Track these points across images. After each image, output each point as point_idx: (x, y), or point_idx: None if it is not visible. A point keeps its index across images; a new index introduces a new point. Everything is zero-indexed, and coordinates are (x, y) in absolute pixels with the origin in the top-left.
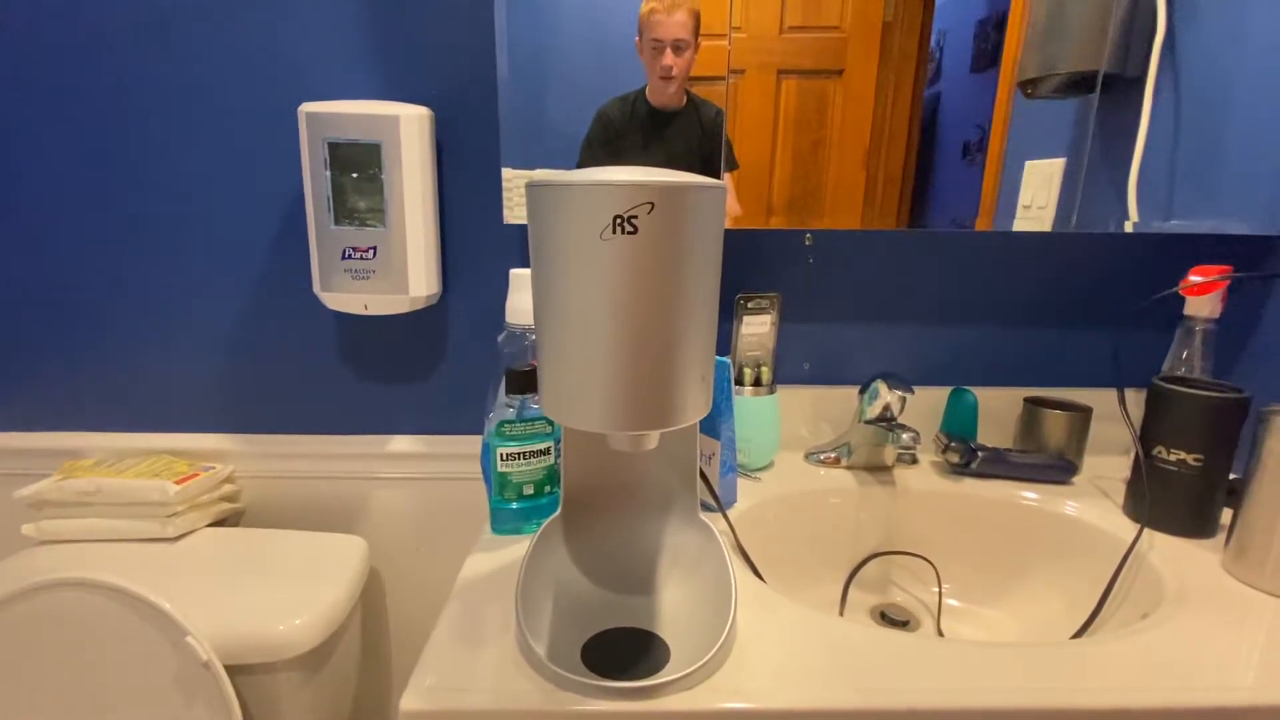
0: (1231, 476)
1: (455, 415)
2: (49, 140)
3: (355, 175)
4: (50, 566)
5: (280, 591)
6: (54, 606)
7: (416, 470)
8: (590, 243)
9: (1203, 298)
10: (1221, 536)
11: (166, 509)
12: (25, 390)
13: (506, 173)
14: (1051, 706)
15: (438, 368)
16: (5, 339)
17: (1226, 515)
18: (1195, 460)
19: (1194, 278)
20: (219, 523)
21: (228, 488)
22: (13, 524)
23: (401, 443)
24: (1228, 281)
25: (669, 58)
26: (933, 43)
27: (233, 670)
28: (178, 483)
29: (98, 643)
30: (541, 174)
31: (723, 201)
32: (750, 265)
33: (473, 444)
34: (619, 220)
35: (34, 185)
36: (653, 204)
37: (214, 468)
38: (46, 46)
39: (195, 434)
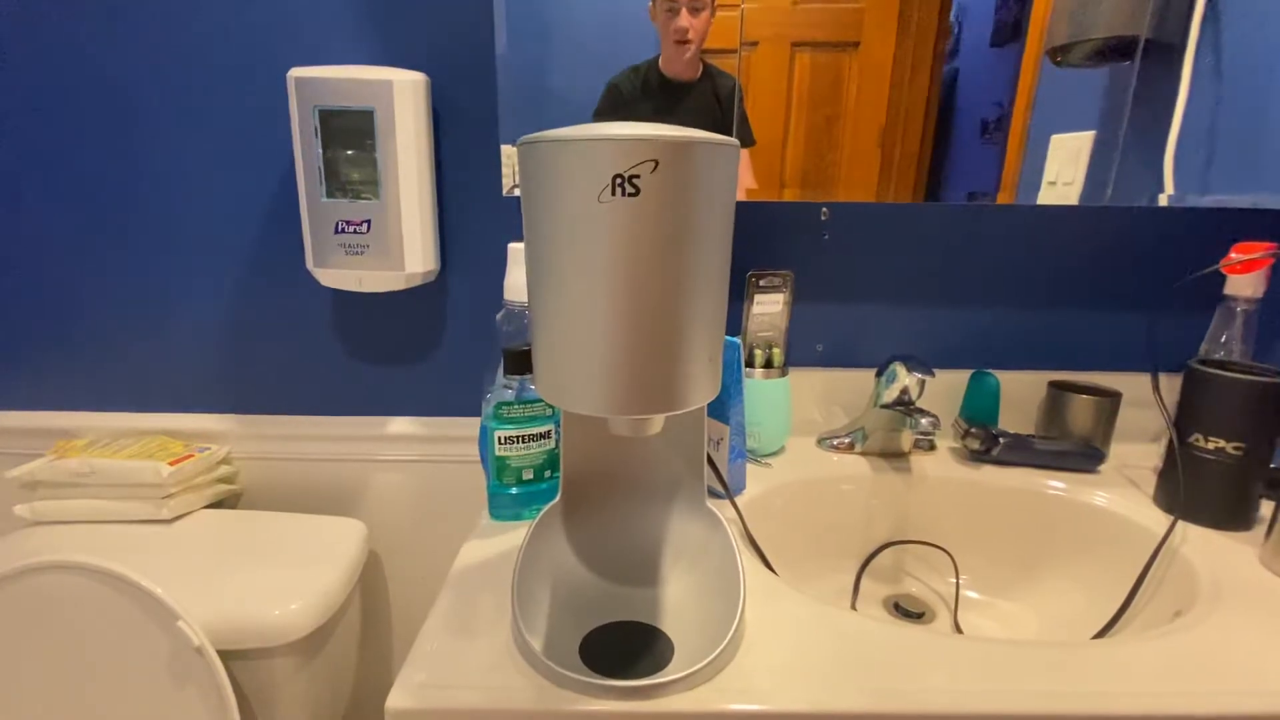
0: (1272, 465)
1: (455, 396)
2: (34, 117)
3: (347, 144)
4: (42, 548)
5: (276, 575)
6: (44, 589)
7: (416, 453)
8: (587, 206)
9: (1245, 276)
10: (1260, 529)
11: (161, 490)
12: (18, 369)
13: (506, 147)
14: (1078, 712)
15: (436, 347)
16: None
17: (1265, 508)
18: (1235, 448)
19: (1235, 255)
20: (216, 505)
21: (224, 469)
22: (5, 504)
23: (400, 424)
24: (1272, 259)
25: (685, 18)
26: (952, 15)
27: (227, 655)
28: (172, 464)
29: (89, 626)
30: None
31: (735, 161)
32: (762, 242)
33: (473, 426)
34: (619, 180)
35: (22, 164)
36: (657, 162)
37: (210, 449)
38: (30, 24)
39: (191, 414)
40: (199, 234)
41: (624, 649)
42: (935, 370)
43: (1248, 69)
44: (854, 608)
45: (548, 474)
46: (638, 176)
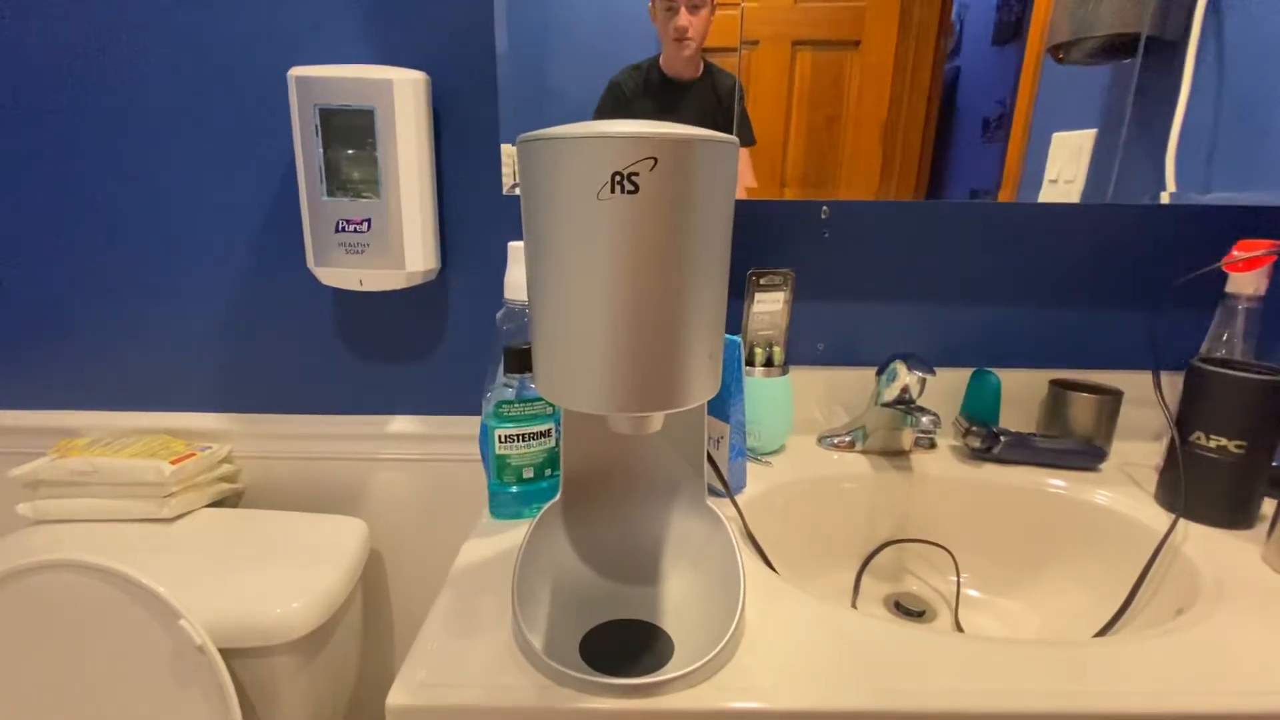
0: (1274, 464)
1: (456, 395)
2: (34, 116)
3: (348, 143)
4: (44, 547)
5: (278, 574)
6: (46, 588)
7: (417, 451)
8: (587, 204)
9: (1247, 274)
10: (1262, 528)
11: (162, 489)
12: (20, 368)
13: (506, 146)
14: (1079, 710)
15: (437, 346)
16: (0, 317)
17: (1267, 506)
18: (1237, 447)
19: (1238, 253)
20: (218, 504)
21: (226, 468)
22: (7, 503)
23: (401, 423)
24: (1274, 257)
25: (684, 17)
26: (953, 13)
27: (229, 654)
28: (174, 463)
29: (91, 625)
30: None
31: (734, 159)
32: (763, 240)
33: (474, 425)
34: (618, 178)
35: (24, 163)
36: (656, 159)
37: (211, 448)
38: (30, 24)
39: (193, 413)
40: (200, 233)
41: (624, 647)
42: (936, 368)
43: (1249, 66)
44: (855, 606)
45: (548, 472)
46: (637, 174)
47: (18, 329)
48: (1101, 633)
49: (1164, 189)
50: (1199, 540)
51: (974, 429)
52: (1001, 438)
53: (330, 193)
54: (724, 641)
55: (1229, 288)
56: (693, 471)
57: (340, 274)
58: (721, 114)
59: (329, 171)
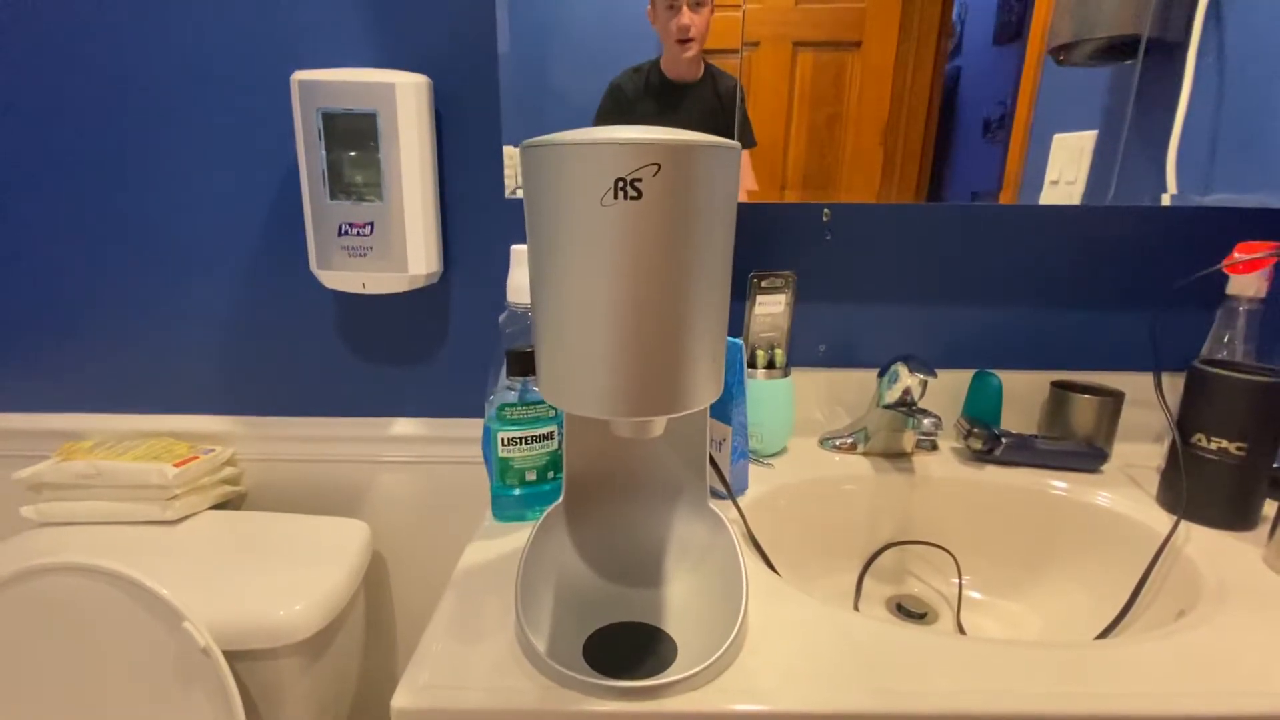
0: (1276, 465)
1: (458, 397)
2: (38, 120)
3: (350, 146)
4: (49, 549)
5: (281, 576)
6: (51, 590)
7: (420, 453)
8: (590, 209)
9: (1248, 276)
10: (1263, 529)
11: (166, 492)
12: (24, 371)
13: (508, 148)
14: (1081, 712)
15: (440, 349)
16: (4, 319)
17: (1269, 507)
18: (1238, 449)
19: (1238, 254)
20: (221, 506)
21: (229, 470)
22: (12, 506)
23: (404, 425)
24: (1275, 259)
25: (686, 15)
26: (954, 14)
27: (232, 656)
28: (177, 465)
29: (95, 627)
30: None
31: (737, 164)
32: (765, 243)
33: (477, 427)
34: (621, 184)
35: (28, 167)
36: (659, 165)
37: (214, 450)
38: (33, 26)
39: (196, 416)
40: (203, 236)
41: (627, 650)
42: (937, 370)
43: (1250, 68)
44: (857, 608)
45: (551, 475)
46: (640, 180)
47: (21, 331)
48: (1103, 635)
49: (1165, 190)
50: (1200, 542)
51: (975, 431)
52: (1003, 439)
53: (333, 196)
54: (727, 644)
55: (1230, 289)
56: (695, 474)
57: (343, 277)
58: (723, 116)
59: (331, 175)
